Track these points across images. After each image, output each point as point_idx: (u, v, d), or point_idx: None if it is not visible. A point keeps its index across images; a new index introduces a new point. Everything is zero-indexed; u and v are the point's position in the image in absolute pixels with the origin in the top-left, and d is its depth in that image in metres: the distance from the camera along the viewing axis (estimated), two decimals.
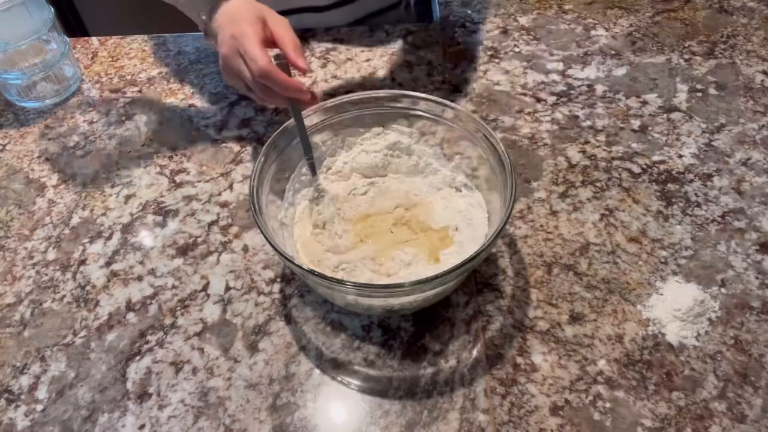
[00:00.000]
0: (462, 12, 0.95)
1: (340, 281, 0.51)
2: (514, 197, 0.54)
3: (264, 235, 0.53)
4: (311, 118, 0.63)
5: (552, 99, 0.80)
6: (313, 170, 0.64)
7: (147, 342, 0.59)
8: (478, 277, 0.62)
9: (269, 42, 0.61)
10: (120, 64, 0.89)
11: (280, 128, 0.61)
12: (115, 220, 0.70)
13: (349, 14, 0.93)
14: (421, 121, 0.64)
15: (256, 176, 0.57)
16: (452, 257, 0.58)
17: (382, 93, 0.64)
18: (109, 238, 0.68)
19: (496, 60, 0.86)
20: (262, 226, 0.53)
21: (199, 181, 0.73)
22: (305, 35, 0.91)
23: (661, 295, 0.60)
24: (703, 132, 0.76)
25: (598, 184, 0.70)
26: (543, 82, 0.83)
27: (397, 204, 0.64)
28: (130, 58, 0.90)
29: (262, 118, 0.79)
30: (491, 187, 0.60)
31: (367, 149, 0.67)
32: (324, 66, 0.86)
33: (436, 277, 0.49)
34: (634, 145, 0.74)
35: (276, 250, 0.52)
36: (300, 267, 0.51)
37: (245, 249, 0.66)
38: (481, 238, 0.59)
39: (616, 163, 0.72)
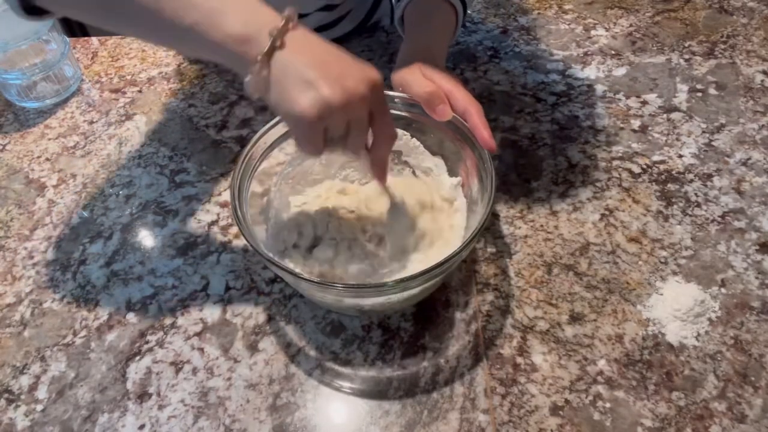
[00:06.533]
0: None
1: (322, 282, 0.51)
2: (491, 203, 0.53)
3: (243, 233, 0.53)
4: None
5: (552, 99, 0.80)
6: None
7: (147, 342, 0.59)
8: (478, 277, 0.62)
9: None
10: (120, 64, 0.89)
11: (258, 133, 0.60)
12: (115, 220, 0.70)
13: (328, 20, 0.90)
14: (416, 123, 0.64)
15: (237, 181, 0.56)
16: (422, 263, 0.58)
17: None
18: (109, 238, 0.68)
19: (496, 60, 0.86)
20: (244, 228, 0.53)
21: (199, 181, 0.73)
22: None
23: (661, 295, 0.60)
24: (703, 132, 0.76)
25: (598, 184, 0.70)
26: (543, 82, 0.83)
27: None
28: (130, 58, 0.90)
29: (262, 118, 0.79)
30: (479, 192, 0.60)
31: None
32: None
33: (402, 281, 0.49)
34: (634, 145, 0.74)
35: (250, 244, 0.52)
36: (282, 267, 0.51)
37: (245, 249, 0.66)
38: (457, 243, 0.59)
39: (616, 163, 0.72)
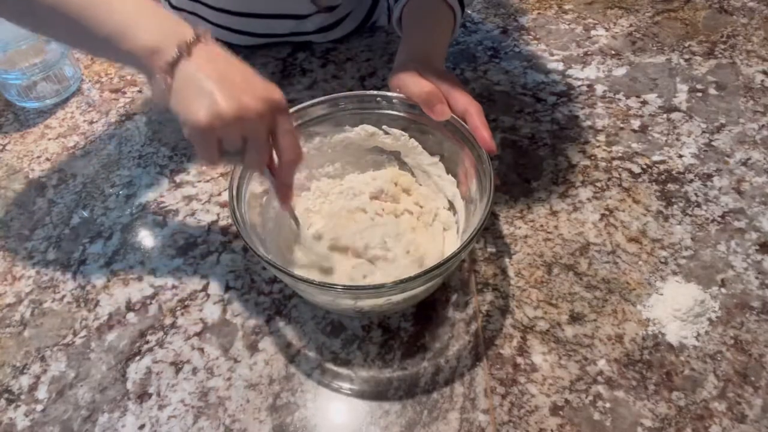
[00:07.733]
0: None
1: (321, 284, 0.51)
2: (490, 204, 0.53)
3: (241, 234, 0.53)
4: (303, 113, 0.62)
5: (552, 99, 0.80)
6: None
7: (147, 342, 0.59)
8: (478, 277, 0.62)
9: None
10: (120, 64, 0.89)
11: None
12: (115, 220, 0.70)
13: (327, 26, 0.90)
14: (414, 123, 0.63)
15: (236, 181, 0.56)
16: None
17: (374, 93, 0.63)
18: (109, 238, 0.68)
19: (496, 60, 0.86)
20: (242, 229, 0.53)
21: (199, 181, 0.73)
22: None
23: (661, 295, 0.60)
24: (703, 132, 0.76)
25: (598, 184, 0.70)
26: (543, 82, 0.83)
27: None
28: None
29: None
30: (478, 193, 0.59)
31: (357, 152, 0.66)
32: (324, 66, 0.86)
33: (401, 282, 0.49)
34: (634, 145, 0.74)
35: (248, 244, 0.52)
36: (284, 271, 0.51)
37: (245, 249, 0.66)
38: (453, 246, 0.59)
39: (616, 163, 0.72)
